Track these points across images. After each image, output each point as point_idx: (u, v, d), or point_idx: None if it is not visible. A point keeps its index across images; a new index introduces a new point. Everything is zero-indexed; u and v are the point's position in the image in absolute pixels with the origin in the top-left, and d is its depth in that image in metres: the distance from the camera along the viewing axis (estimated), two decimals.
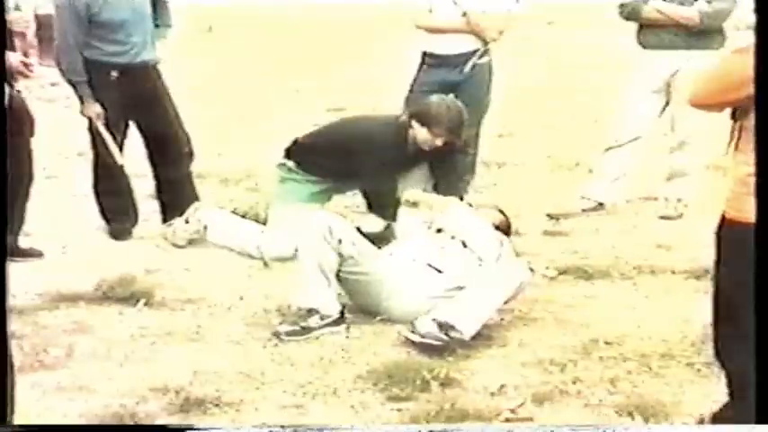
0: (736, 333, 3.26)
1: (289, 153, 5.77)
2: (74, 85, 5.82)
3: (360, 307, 4.82)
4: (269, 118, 9.19)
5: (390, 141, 5.44)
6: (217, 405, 3.92)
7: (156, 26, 6.06)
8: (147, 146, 6.14)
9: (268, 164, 6.84)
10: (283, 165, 5.76)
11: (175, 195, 6.13)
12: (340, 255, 4.60)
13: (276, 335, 4.59)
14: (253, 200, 6.65)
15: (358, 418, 3.84)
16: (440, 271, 4.79)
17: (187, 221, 5.91)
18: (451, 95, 5.75)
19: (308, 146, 5.72)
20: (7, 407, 2.66)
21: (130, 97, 5.86)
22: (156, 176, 6.21)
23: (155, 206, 6.34)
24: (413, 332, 4.42)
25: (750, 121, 3.17)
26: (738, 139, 3.28)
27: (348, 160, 5.46)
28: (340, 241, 4.58)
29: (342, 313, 4.67)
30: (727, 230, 3.31)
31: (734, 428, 3.44)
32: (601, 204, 6.49)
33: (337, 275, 4.66)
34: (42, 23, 6.38)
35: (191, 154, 6.20)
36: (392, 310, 4.71)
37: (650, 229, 6.15)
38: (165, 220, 6.12)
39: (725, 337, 3.40)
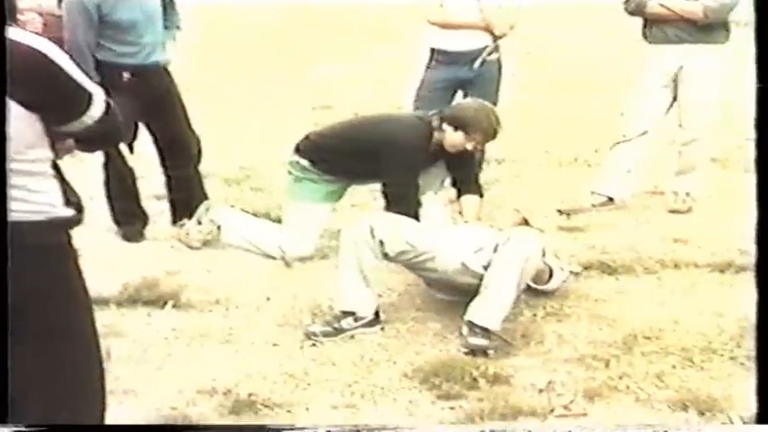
0: None
1: (300, 150, 5.65)
2: None
3: (432, 282, 4.92)
4: (268, 116, 9.12)
5: (414, 142, 5.34)
6: (267, 406, 3.90)
7: (166, 28, 6.00)
8: (158, 147, 6.08)
9: (271, 163, 6.83)
10: (297, 163, 5.61)
11: (186, 195, 6.08)
12: (385, 254, 4.59)
13: (309, 335, 4.56)
14: (258, 199, 6.62)
15: (412, 417, 3.83)
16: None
17: (199, 222, 5.84)
18: (480, 100, 5.71)
19: (324, 144, 5.60)
20: (7, 407, 2.62)
21: (142, 99, 5.77)
22: (167, 177, 6.16)
23: (161, 207, 6.29)
24: (462, 335, 4.43)
25: None
26: None
27: (370, 160, 5.37)
28: (382, 243, 4.57)
29: (377, 314, 4.66)
30: None
31: (734, 428, 3.47)
32: (611, 199, 6.51)
33: (404, 265, 4.78)
34: (48, 23, 6.28)
35: (200, 154, 6.15)
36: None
37: (663, 223, 6.18)
38: (174, 221, 6.07)
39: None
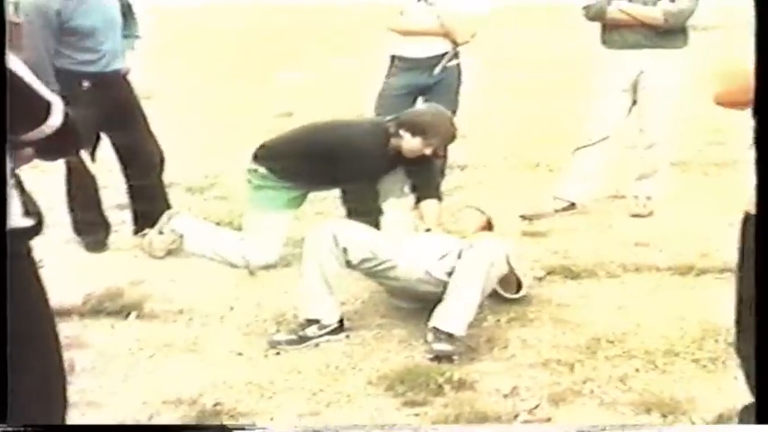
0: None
1: (258, 158, 5.63)
2: None
3: (393, 291, 4.92)
4: (231, 124, 9.11)
5: (371, 148, 5.36)
6: (232, 416, 3.89)
7: (125, 36, 5.98)
8: (119, 155, 6.06)
9: (234, 171, 6.81)
10: (255, 171, 5.59)
11: (149, 205, 6.06)
12: (348, 262, 4.60)
13: (274, 344, 4.56)
14: (222, 207, 6.61)
15: (377, 424, 3.83)
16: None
17: (161, 232, 5.81)
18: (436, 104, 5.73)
19: (282, 151, 5.58)
20: (7, 407, 2.61)
21: (102, 107, 5.74)
22: (129, 186, 6.14)
23: (123, 217, 6.28)
24: (426, 342, 4.44)
25: None
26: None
27: (327, 166, 5.38)
28: (345, 250, 4.57)
29: (341, 322, 4.66)
30: (752, 227, 3.33)
31: (733, 428, 3.50)
32: (573, 204, 6.55)
33: (365, 274, 4.79)
34: (6, 30, 6.21)
35: (162, 163, 6.13)
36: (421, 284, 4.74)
37: (625, 227, 6.21)
38: (137, 231, 6.05)
39: (747, 334, 3.42)
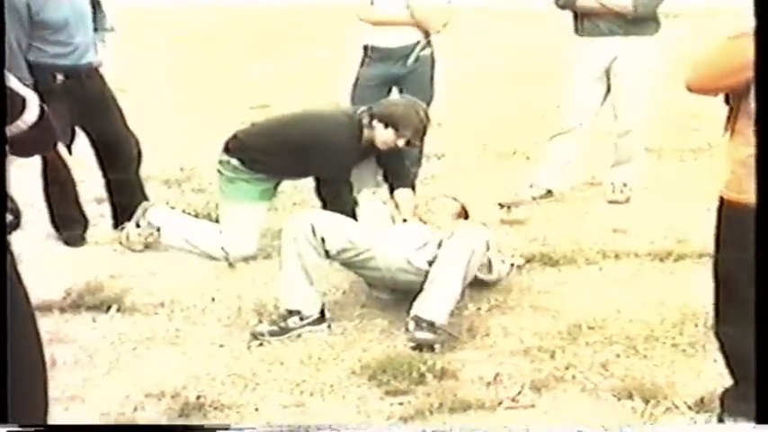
0: (737, 314, 3.32)
1: (230, 150, 5.62)
2: None
3: (373, 282, 4.92)
4: (206, 116, 9.07)
5: (343, 139, 5.39)
6: (216, 408, 3.89)
7: (95, 30, 5.95)
8: (96, 149, 6.04)
9: (211, 163, 6.79)
10: (227, 162, 5.59)
11: (126, 198, 6.04)
12: (326, 252, 4.61)
13: (256, 335, 4.56)
14: (199, 200, 6.61)
15: (360, 414, 3.84)
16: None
17: (138, 225, 5.81)
18: (407, 94, 5.77)
19: (253, 143, 5.58)
20: (7, 407, 2.62)
21: (77, 101, 5.73)
22: (107, 180, 6.12)
23: (100, 210, 6.26)
24: (408, 330, 4.45)
25: (747, 105, 3.25)
26: (735, 122, 3.35)
27: (300, 157, 5.40)
28: (323, 240, 4.58)
29: (322, 312, 4.67)
30: (727, 212, 3.37)
31: (733, 428, 3.53)
32: (549, 192, 6.58)
33: (344, 264, 4.80)
34: None
35: (139, 155, 6.12)
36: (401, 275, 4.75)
37: (602, 213, 6.26)
38: (115, 225, 6.04)
39: (726, 318, 3.46)
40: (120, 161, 6.05)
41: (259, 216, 5.63)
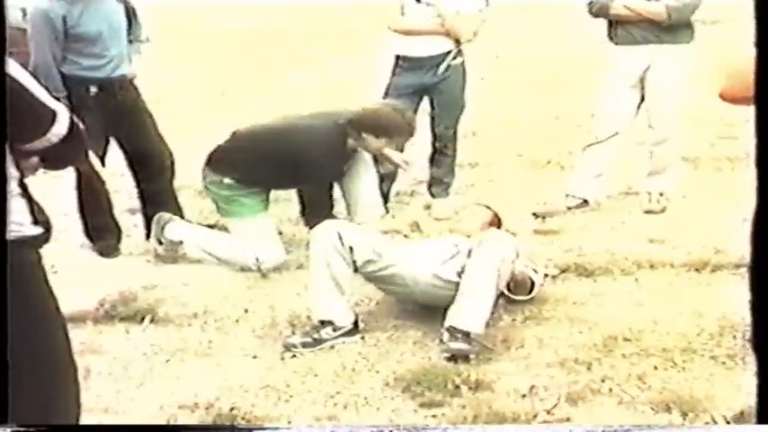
0: None
1: (221, 170, 5.65)
2: None
3: (400, 298, 4.91)
4: (236, 127, 9.04)
5: (330, 147, 5.45)
6: (249, 420, 3.87)
7: (130, 41, 5.97)
8: (129, 161, 6.06)
9: None
10: (220, 182, 5.62)
11: (159, 209, 6.03)
12: (354, 262, 4.58)
13: (289, 347, 4.54)
14: None
15: (395, 426, 3.81)
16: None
17: (160, 242, 5.81)
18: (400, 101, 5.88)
19: (240, 157, 5.62)
20: (8, 407, 2.60)
21: (110, 112, 5.76)
22: (140, 190, 6.14)
23: (134, 221, 6.27)
24: (442, 341, 4.41)
25: None
26: None
27: (285, 169, 5.44)
28: (351, 249, 4.56)
29: (355, 323, 4.64)
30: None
31: (733, 428, 3.47)
32: (585, 201, 6.53)
33: (370, 279, 4.75)
34: (13, 37, 6.18)
35: (173, 166, 6.13)
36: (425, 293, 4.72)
37: (638, 223, 6.19)
38: (148, 236, 6.04)
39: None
40: (153, 172, 6.06)
41: (272, 224, 5.74)
